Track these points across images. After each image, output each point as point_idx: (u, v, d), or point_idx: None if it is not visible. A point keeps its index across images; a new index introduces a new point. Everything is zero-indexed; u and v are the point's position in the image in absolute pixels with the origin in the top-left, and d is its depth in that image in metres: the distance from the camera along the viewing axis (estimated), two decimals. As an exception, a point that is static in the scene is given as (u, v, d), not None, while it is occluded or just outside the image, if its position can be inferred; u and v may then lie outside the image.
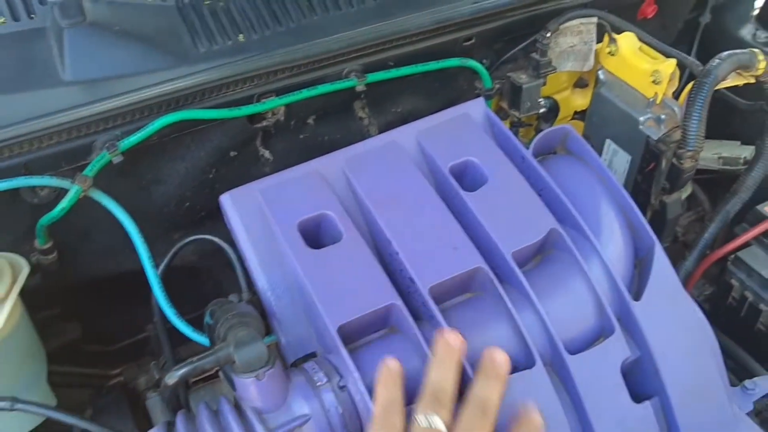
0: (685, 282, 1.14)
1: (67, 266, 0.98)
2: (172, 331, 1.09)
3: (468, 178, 0.91)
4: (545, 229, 0.85)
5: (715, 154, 1.34)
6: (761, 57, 1.04)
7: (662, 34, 1.38)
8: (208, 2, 1.01)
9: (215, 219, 1.04)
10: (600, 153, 1.17)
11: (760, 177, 1.13)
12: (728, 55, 1.03)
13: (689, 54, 1.42)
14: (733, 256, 1.11)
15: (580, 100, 1.27)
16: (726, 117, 1.39)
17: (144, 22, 0.97)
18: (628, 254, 0.89)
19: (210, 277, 1.11)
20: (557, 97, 1.22)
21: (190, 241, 0.93)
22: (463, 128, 0.95)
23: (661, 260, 0.87)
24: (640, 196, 1.11)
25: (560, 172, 0.94)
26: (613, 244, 0.89)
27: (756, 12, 1.37)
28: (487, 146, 0.93)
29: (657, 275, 0.86)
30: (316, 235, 0.85)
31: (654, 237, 0.88)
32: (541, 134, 0.94)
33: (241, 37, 0.99)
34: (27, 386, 0.85)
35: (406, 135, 0.94)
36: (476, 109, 0.98)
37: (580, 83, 1.24)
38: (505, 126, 0.95)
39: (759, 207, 1.13)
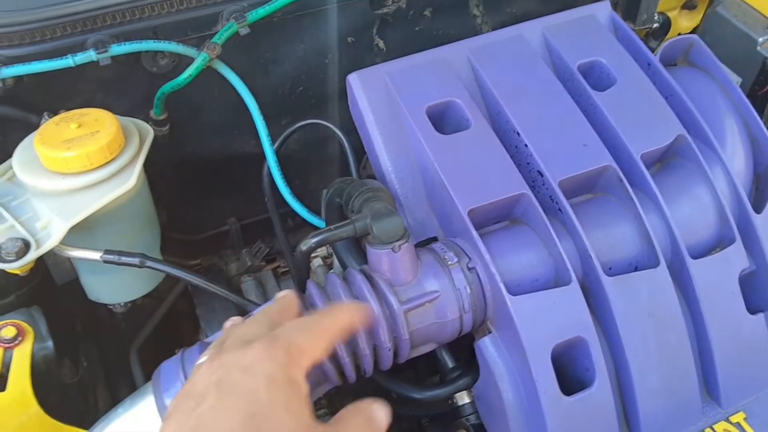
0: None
1: (177, 142, 0.98)
2: (253, 225, 1.10)
3: (595, 77, 0.89)
4: (673, 134, 0.84)
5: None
6: None
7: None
8: None
9: (322, 108, 1.04)
10: (708, 74, 1.14)
11: None
12: None
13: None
14: None
15: (687, 22, 1.23)
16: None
17: None
18: (749, 166, 0.88)
19: (309, 170, 1.11)
20: (670, 14, 1.19)
21: (305, 125, 0.93)
22: (591, 28, 0.93)
23: (784, 174, 0.86)
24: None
25: (685, 82, 0.92)
26: (736, 154, 0.87)
27: None
28: (615, 48, 0.91)
29: (780, 189, 0.85)
30: (442, 122, 0.84)
31: (776, 151, 0.87)
32: (669, 41, 0.92)
33: None
34: (145, 251, 0.86)
35: (532, 30, 0.92)
36: (602, 11, 0.95)
37: (688, 4, 1.21)
38: (632, 30, 0.93)
39: None
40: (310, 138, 1.05)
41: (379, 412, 0.55)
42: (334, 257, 0.91)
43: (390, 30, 1.01)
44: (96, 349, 1.02)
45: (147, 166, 0.93)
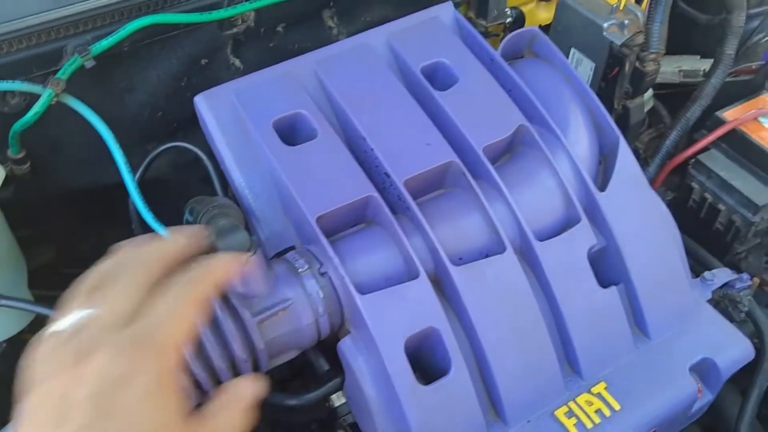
0: (648, 188, 1.18)
1: (41, 179, 0.98)
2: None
3: (439, 78, 0.93)
4: (514, 125, 0.88)
5: (675, 67, 1.38)
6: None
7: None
8: None
9: (188, 130, 1.05)
10: (565, 63, 1.19)
11: (718, 84, 1.17)
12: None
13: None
14: (693, 159, 1.15)
15: (545, 14, 1.28)
16: (687, 32, 1.42)
17: None
18: (593, 149, 0.92)
19: (185, 192, 1.12)
20: (523, 9, 1.24)
21: (165, 150, 0.94)
22: (434, 30, 0.96)
23: (625, 154, 0.90)
24: (604, 103, 1.13)
25: (528, 73, 0.96)
26: (579, 139, 0.92)
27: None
28: (457, 48, 0.95)
29: (621, 168, 0.89)
30: (291, 134, 0.87)
31: (618, 132, 0.91)
32: (509, 36, 0.96)
33: None
34: (8, 292, 0.85)
35: (376, 37, 0.95)
36: (445, 12, 0.99)
37: (544, -5, 1.26)
38: (473, 29, 0.97)
39: (718, 113, 1.17)
40: (180, 161, 1.06)
41: (245, 387, 0.55)
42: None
43: (244, 48, 1.03)
44: None
45: (13, 204, 0.93)
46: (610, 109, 1.13)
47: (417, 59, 0.92)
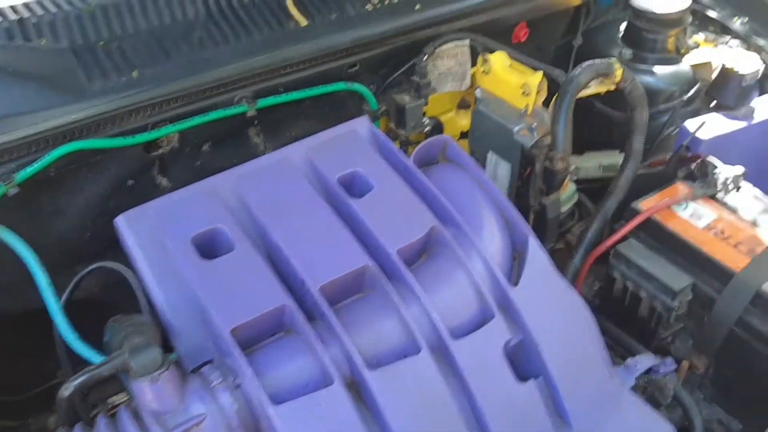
0: (574, 279, 1.22)
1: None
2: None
3: (355, 187, 0.97)
4: (426, 227, 0.92)
5: (596, 163, 1.46)
6: (617, 65, 1.15)
7: (538, 56, 1.50)
8: (102, 43, 1.05)
9: (118, 249, 1.07)
10: (484, 165, 1.25)
11: (631, 176, 1.23)
12: (588, 64, 1.14)
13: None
14: (613, 250, 1.19)
15: (465, 120, 1.36)
16: (606, 130, 1.51)
17: (39, 64, 1.01)
18: (505, 247, 0.96)
19: (116, 311, 1.13)
20: (442, 118, 1.31)
21: (91, 270, 0.96)
22: (350, 143, 1.02)
23: (534, 249, 0.94)
24: (522, 201, 1.19)
25: (441, 178, 1.01)
26: (491, 238, 0.96)
27: (621, 34, 1.51)
28: (372, 158, 1.00)
29: (532, 263, 0.93)
30: (210, 249, 0.89)
31: (528, 230, 0.96)
32: (421, 145, 1.02)
33: (134, 74, 1.04)
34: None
35: (296, 151, 1.00)
36: (362, 125, 1.05)
37: (463, 104, 1.34)
38: (388, 139, 1.03)
39: (634, 203, 1.23)
40: (110, 280, 1.07)
41: None
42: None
43: (171, 168, 1.07)
44: None
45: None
46: (527, 206, 1.18)
47: (334, 170, 0.97)
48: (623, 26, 1.51)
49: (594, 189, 1.47)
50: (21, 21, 1.01)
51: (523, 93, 1.14)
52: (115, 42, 1.06)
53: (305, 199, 0.94)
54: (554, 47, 1.55)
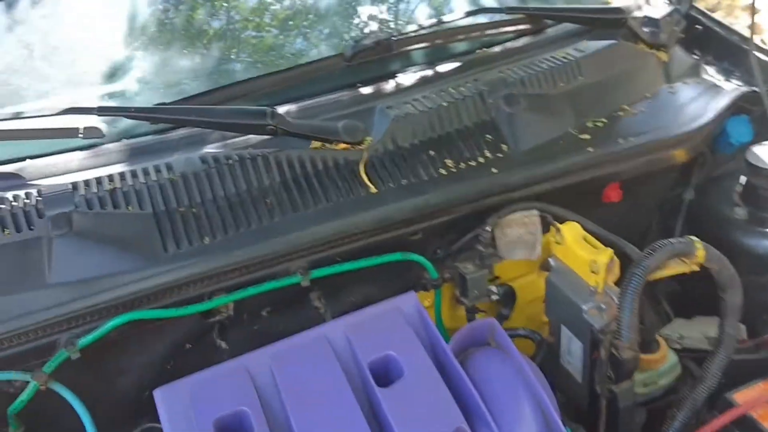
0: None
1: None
2: None
3: (387, 371, 0.96)
4: (452, 427, 0.88)
5: (700, 334, 1.32)
6: (699, 245, 1.05)
7: (634, 217, 1.41)
8: (182, 209, 1.13)
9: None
10: (558, 337, 1.18)
11: (723, 364, 1.10)
12: (662, 244, 1.05)
13: (675, 231, 1.43)
14: (704, 448, 1.06)
15: (548, 282, 1.29)
16: (714, 293, 1.36)
17: (123, 228, 1.10)
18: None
19: None
20: (521, 281, 1.26)
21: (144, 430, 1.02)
22: (390, 322, 1.01)
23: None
24: (590, 385, 1.10)
25: (485, 364, 0.97)
26: (524, 436, 0.89)
27: (739, 190, 1.37)
28: (409, 341, 0.98)
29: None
30: (238, 429, 0.91)
31: (562, 428, 0.88)
32: (463, 329, 0.99)
33: (206, 240, 1.10)
34: None
35: (335, 329, 1.01)
36: (408, 302, 1.04)
37: (546, 266, 1.27)
38: (430, 320, 1.00)
39: (728, 394, 1.09)
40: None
41: None
42: None
43: (230, 332, 1.12)
44: None
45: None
46: (594, 393, 1.09)
47: (367, 353, 0.96)
48: (744, 179, 1.38)
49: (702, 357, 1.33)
50: (113, 191, 1.11)
51: (592, 270, 1.07)
52: (193, 208, 1.12)
53: (333, 383, 0.93)
54: (659, 203, 1.45)
